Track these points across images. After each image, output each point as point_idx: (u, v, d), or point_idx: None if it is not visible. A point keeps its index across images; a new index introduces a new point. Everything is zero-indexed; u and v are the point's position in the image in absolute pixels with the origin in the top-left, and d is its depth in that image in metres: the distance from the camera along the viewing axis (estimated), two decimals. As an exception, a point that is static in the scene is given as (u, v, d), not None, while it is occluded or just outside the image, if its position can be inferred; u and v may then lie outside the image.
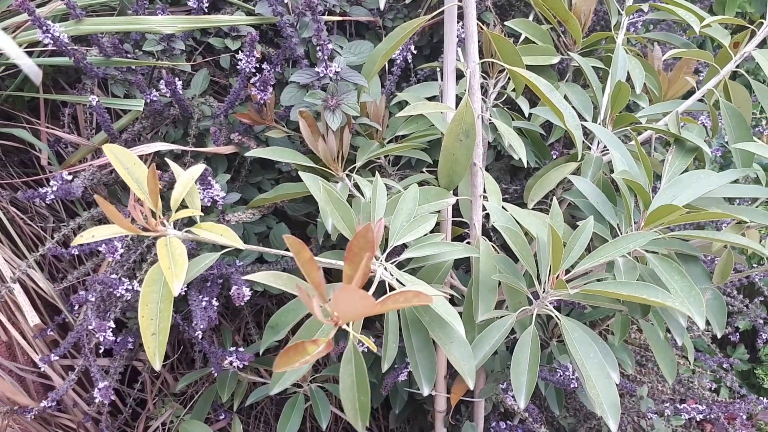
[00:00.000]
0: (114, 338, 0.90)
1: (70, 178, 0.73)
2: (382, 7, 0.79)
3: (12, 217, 1.15)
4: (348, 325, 0.60)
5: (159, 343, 0.62)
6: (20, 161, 1.23)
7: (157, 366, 0.63)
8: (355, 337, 0.64)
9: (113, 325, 0.89)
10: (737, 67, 1.04)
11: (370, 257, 0.50)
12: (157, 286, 0.63)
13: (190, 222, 0.74)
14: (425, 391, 0.82)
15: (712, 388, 1.44)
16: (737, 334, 1.54)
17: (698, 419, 1.31)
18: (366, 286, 0.72)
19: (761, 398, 1.41)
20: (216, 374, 1.11)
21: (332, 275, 1.33)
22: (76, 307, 0.92)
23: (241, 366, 1.02)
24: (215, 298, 0.95)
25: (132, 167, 0.65)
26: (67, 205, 1.24)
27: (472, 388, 0.74)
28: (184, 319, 1.04)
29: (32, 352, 1.07)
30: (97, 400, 0.87)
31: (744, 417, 1.37)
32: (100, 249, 0.83)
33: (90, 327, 0.86)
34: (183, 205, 0.70)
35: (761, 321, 1.38)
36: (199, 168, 0.70)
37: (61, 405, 1.15)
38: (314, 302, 0.48)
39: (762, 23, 1.03)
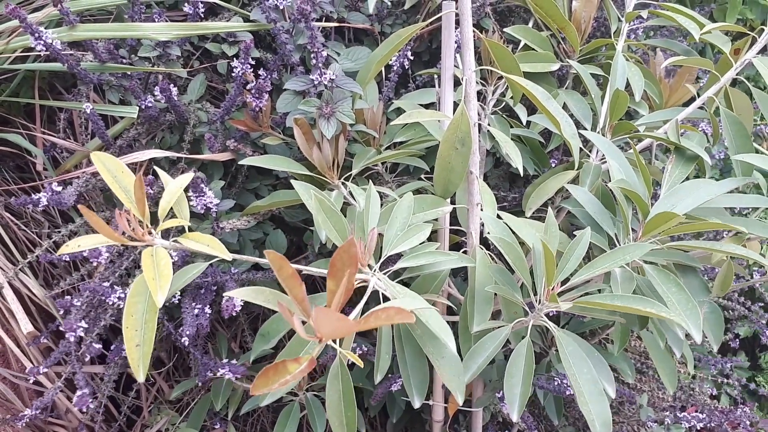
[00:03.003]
0: (93, 340, 0.89)
1: (60, 188, 0.72)
2: (371, 10, 0.78)
3: (6, 223, 1.14)
4: (335, 341, 0.59)
5: (143, 355, 0.61)
6: (16, 166, 1.22)
7: (141, 378, 0.62)
8: (343, 354, 0.63)
9: (85, 325, 0.88)
10: (738, 74, 1.03)
11: (353, 273, 0.49)
12: (142, 296, 0.62)
13: (184, 230, 0.73)
14: (416, 404, 0.81)
15: (713, 394, 1.42)
16: (737, 340, 1.53)
17: (698, 428, 1.30)
18: (359, 296, 0.71)
19: (762, 388, 1.40)
20: (211, 382, 1.10)
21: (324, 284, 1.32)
22: (61, 313, 0.91)
23: (233, 378, 1.01)
24: (208, 306, 0.94)
25: (120, 176, 0.64)
26: (62, 210, 1.23)
27: (461, 404, 0.73)
28: (177, 327, 1.03)
29: (25, 359, 1.06)
30: (75, 408, 0.86)
31: (748, 423, 1.35)
32: (85, 255, 0.82)
33: (60, 327, 0.85)
34: (172, 215, 0.69)
35: (764, 322, 1.37)
36: (187, 177, 0.69)
37: (55, 412, 1.15)
38: (295, 319, 0.47)
39: (763, 30, 1.02)
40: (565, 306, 0.73)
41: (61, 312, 0.89)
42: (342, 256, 0.49)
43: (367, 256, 0.69)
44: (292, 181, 0.87)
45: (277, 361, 0.44)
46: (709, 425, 1.29)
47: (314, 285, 1.28)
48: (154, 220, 0.65)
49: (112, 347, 1.02)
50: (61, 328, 0.85)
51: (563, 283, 0.80)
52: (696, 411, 1.31)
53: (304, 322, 0.48)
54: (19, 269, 1.02)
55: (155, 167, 0.77)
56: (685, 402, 1.40)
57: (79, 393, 0.88)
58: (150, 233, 0.61)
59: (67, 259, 0.93)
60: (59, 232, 0.95)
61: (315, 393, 1.17)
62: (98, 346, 0.92)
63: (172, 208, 0.65)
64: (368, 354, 1.09)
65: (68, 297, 0.91)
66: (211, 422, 1.24)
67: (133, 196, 0.60)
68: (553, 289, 0.75)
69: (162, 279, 0.56)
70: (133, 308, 0.61)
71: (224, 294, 0.64)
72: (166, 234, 0.67)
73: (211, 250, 0.62)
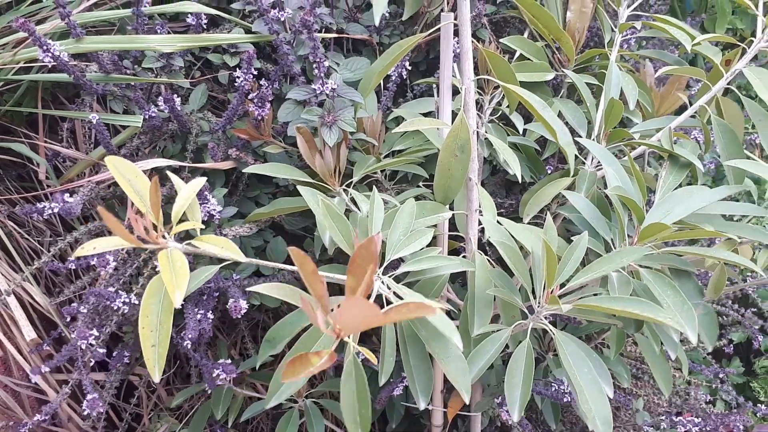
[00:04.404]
0: (98, 345, 0.90)
1: (71, 199, 0.74)
2: (377, 23, 0.80)
3: (9, 231, 1.15)
4: (348, 337, 0.60)
5: (159, 355, 0.63)
6: (18, 175, 1.23)
7: (157, 378, 0.63)
8: (355, 350, 0.65)
9: (97, 333, 0.89)
10: (729, 83, 1.06)
11: (374, 269, 0.51)
12: (157, 297, 0.63)
13: (188, 235, 0.74)
14: (422, 405, 0.82)
15: (708, 401, 1.44)
16: (731, 346, 1.55)
17: (694, 432, 1.31)
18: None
19: (758, 406, 1.42)
20: (210, 390, 1.11)
21: (329, 289, 1.33)
22: (68, 320, 0.92)
23: (228, 380, 1.01)
24: (210, 311, 0.95)
25: (134, 180, 0.65)
26: (64, 219, 1.24)
27: (468, 402, 0.75)
28: (179, 333, 1.04)
29: (28, 366, 1.07)
30: (85, 413, 0.87)
31: (741, 428, 1.37)
32: (92, 263, 0.83)
33: (72, 335, 0.86)
34: (183, 218, 0.71)
35: (757, 328, 1.39)
36: (200, 181, 0.71)
37: (56, 419, 1.15)
38: (318, 314, 0.48)
39: (752, 41, 1.05)
40: (565, 308, 0.75)
41: (68, 319, 0.89)
42: (363, 252, 0.50)
43: (371, 260, 0.71)
44: (299, 188, 0.89)
45: (301, 353, 0.46)
46: (704, 429, 1.31)
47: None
48: (166, 223, 0.66)
49: (114, 354, 1.03)
50: (73, 335, 0.86)
51: (561, 286, 0.82)
52: (691, 416, 1.32)
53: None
54: (24, 278, 1.03)
55: (168, 173, 0.79)
56: (681, 407, 1.42)
57: (89, 397, 0.88)
58: (164, 236, 0.63)
59: (73, 266, 0.94)
60: (63, 239, 0.96)
61: (314, 400, 1.18)
62: (102, 350, 0.92)
63: (184, 212, 0.67)
64: (370, 359, 1.10)
65: (74, 304, 0.92)
66: (211, 429, 1.25)
67: (148, 200, 0.61)
68: (552, 292, 0.77)
69: (179, 279, 0.58)
70: (148, 309, 0.63)
71: (248, 289, 0.66)
72: (174, 239, 0.68)
73: (226, 253, 0.63)
